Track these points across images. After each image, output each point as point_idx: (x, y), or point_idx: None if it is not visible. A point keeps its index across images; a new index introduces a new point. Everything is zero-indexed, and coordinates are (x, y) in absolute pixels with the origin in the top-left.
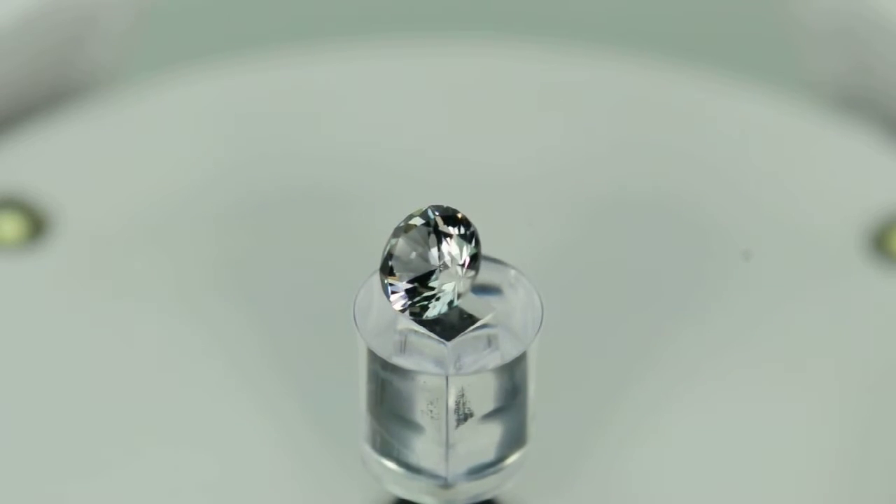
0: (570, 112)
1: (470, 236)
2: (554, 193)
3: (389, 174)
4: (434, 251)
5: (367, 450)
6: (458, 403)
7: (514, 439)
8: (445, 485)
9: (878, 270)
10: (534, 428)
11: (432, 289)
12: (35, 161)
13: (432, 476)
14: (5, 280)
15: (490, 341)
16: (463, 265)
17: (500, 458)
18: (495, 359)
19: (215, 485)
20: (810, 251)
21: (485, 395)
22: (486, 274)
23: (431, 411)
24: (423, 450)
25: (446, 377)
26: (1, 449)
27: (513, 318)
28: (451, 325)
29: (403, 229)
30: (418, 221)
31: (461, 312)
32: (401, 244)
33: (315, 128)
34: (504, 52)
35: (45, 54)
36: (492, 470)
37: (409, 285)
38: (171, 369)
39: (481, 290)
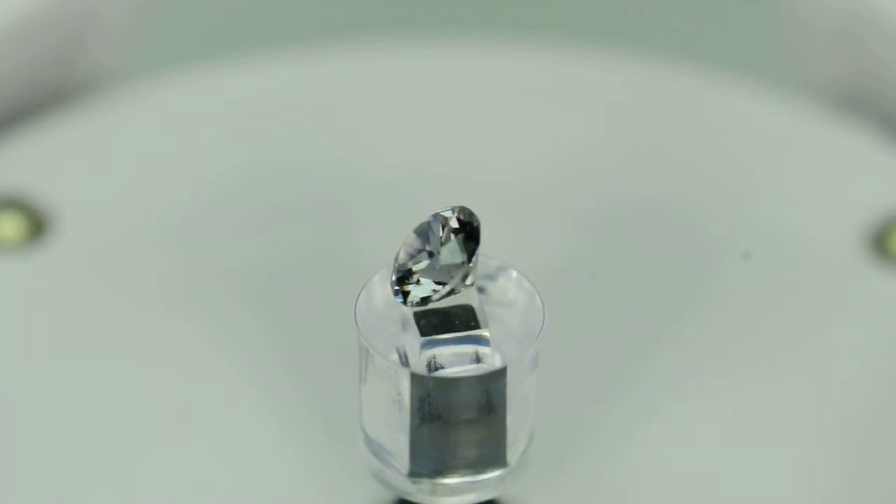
0: (570, 113)
1: (470, 243)
2: (555, 197)
3: (391, 178)
4: (429, 244)
5: (359, 429)
6: (422, 402)
7: (488, 457)
8: (408, 477)
9: (878, 270)
10: (521, 457)
11: (415, 275)
12: (35, 161)
13: (396, 463)
14: (5, 280)
15: (479, 359)
16: (451, 265)
17: (469, 471)
18: (470, 369)
19: (218, 483)
20: (810, 251)
21: (453, 402)
22: (489, 276)
23: (399, 402)
24: (392, 436)
25: (410, 372)
26: (1, 449)
27: (514, 320)
28: (439, 324)
29: (429, 219)
30: (445, 216)
31: (459, 317)
32: (416, 232)
33: (314, 127)
34: (504, 52)
35: (45, 54)
36: (457, 480)
37: (405, 270)
38: (172, 369)
39: (483, 292)
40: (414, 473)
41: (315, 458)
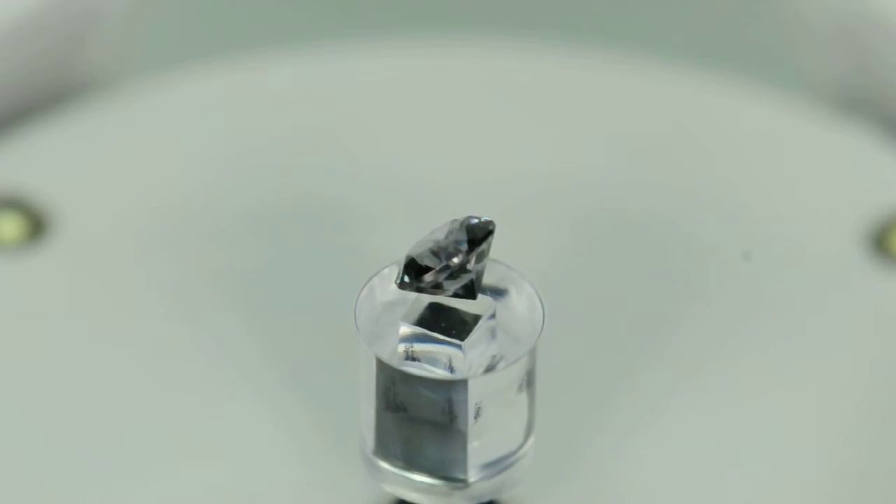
0: (569, 114)
1: (473, 246)
2: (554, 199)
3: (390, 179)
4: (437, 241)
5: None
6: (387, 388)
7: (445, 467)
8: (373, 455)
9: (878, 270)
10: (489, 478)
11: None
12: (35, 161)
13: (368, 440)
14: (5, 280)
15: (452, 367)
16: (447, 264)
17: (423, 473)
18: (433, 373)
19: (217, 484)
20: (810, 251)
21: (411, 398)
22: (491, 277)
23: (369, 381)
24: (369, 413)
25: (375, 355)
26: (0, 449)
27: (514, 321)
28: (429, 319)
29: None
30: (472, 219)
31: (453, 321)
32: (442, 227)
33: (314, 128)
34: (503, 53)
35: (45, 55)
36: (411, 476)
37: (410, 257)
38: (171, 370)
39: (499, 301)
40: (377, 455)
41: (315, 460)
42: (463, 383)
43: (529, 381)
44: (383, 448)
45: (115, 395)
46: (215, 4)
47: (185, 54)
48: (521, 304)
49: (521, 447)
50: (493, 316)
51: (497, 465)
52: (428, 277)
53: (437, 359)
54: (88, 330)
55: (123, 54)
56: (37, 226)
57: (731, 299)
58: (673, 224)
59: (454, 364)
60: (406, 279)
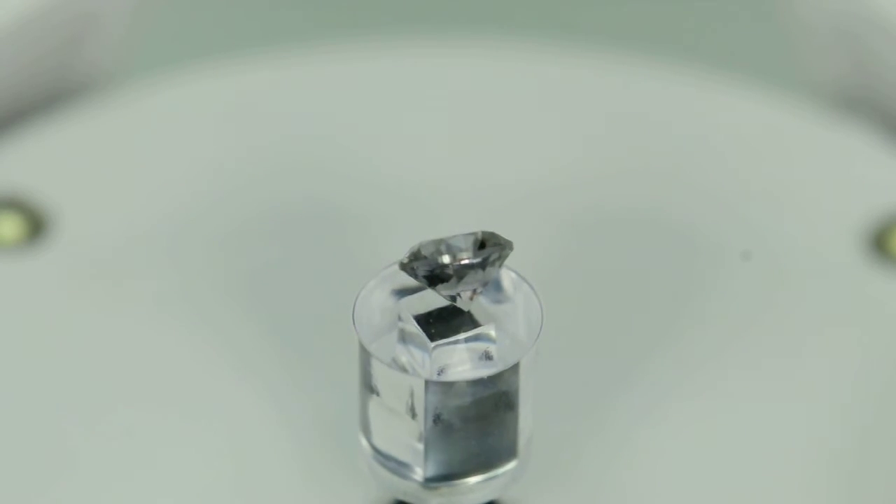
0: (569, 114)
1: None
2: (554, 197)
3: (389, 180)
4: (449, 248)
5: None
6: (365, 369)
7: (406, 458)
8: (360, 430)
9: (878, 270)
10: (441, 486)
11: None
12: (35, 161)
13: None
14: (5, 280)
15: (425, 365)
16: (445, 262)
17: (388, 461)
18: (400, 365)
19: (218, 485)
20: (810, 251)
21: (379, 383)
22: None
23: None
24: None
25: (358, 338)
26: (0, 448)
27: (514, 322)
28: (424, 310)
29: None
30: (480, 234)
31: (444, 321)
32: (459, 235)
33: (314, 128)
34: (503, 53)
35: (45, 54)
36: (379, 459)
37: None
38: (171, 369)
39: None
40: (360, 429)
41: (315, 461)
42: (420, 382)
43: (509, 403)
44: (362, 427)
45: (114, 395)
46: (215, 4)
47: (185, 54)
48: (518, 319)
49: (495, 468)
50: (490, 339)
51: (457, 477)
52: (425, 267)
53: (423, 352)
54: (88, 330)
55: (123, 55)
56: (37, 226)
57: (730, 299)
58: (672, 224)
59: (426, 363)
60: (406, 262)
